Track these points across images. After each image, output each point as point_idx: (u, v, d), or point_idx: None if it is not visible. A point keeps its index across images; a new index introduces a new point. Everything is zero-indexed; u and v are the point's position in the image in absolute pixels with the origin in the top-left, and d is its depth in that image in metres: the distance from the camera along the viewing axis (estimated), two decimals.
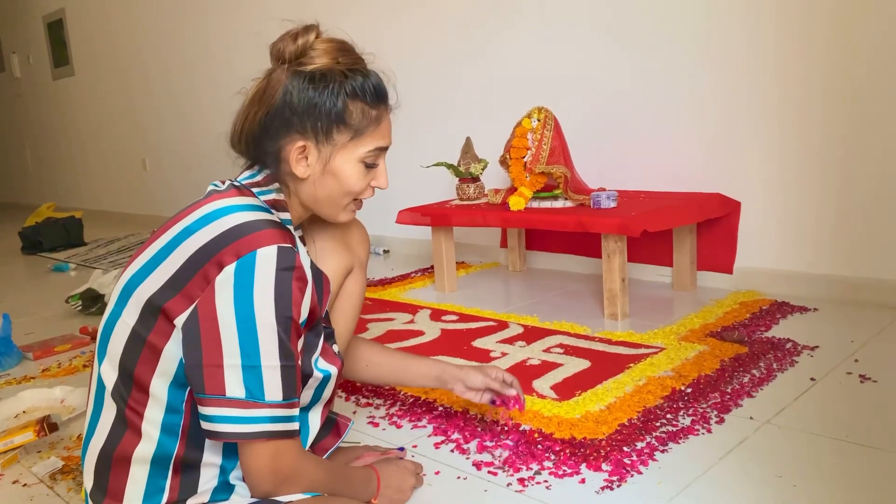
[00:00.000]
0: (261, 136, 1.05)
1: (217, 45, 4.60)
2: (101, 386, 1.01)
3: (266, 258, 0.93)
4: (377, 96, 1.07)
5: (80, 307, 2.73)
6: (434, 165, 2.71)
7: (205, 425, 0.94)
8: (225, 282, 0.93)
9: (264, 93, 1.05)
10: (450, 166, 2.64)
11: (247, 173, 1.09)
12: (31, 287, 3.58)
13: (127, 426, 0.98)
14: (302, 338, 1.02)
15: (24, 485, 1.40)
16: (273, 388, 0.93)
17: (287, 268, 0.94)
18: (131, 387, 0.98)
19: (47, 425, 1.53)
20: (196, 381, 0.93)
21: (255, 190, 1.06)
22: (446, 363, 1.40)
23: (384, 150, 1.09)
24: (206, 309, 0.93)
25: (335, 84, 1.03)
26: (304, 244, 1.21)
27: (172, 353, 0.95)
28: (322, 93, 1.03)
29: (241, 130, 1.07)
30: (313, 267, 1.16)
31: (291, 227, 1.06)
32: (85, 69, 6.17)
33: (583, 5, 2.67)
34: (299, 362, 0.99)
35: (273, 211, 1.05)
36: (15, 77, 7.39)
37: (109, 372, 1.00)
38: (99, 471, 1.00)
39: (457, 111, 3.16)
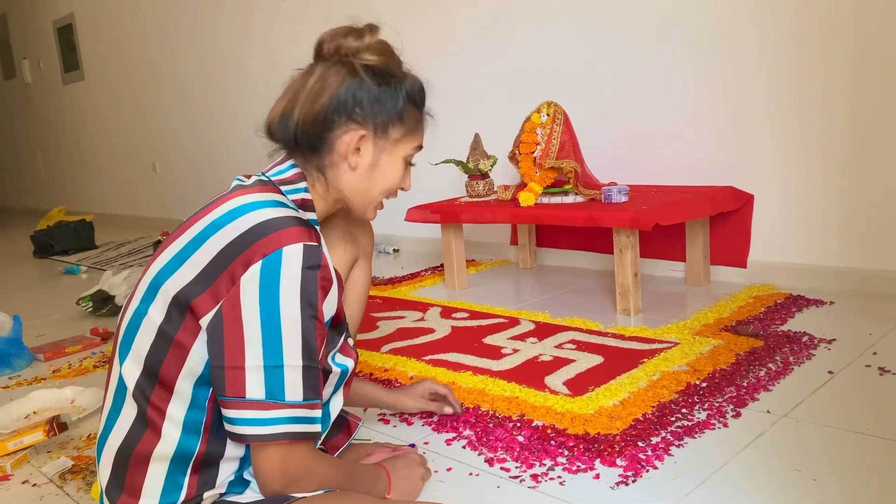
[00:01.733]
0: (318, 125, 1.05)
1: (227, 49, 4.60)
2: (121, 384, 0.99)
3: (292, 256, 0.92)
4: (423, 99, 1.13)
5: (90, 308, 2.73)
6: (443, 163, 2.70)
7: (228, 427, 0.94)
8: (250, 281, 0.92)
9: (325, 83, 1.05)
10: (459, 163, 2.62)
11: (275, 169, 1.08)
12: (42, 290, 3.59)
13: (147, 425, 0.97)
14: (325, 338, 1.01)
15: (34, 485, 1.40)
16: (294, 388, 0.93)
17: (313, 266, 0.94)
18: (155, 384, 0.97)
19: (57, 425, 1.52)
20: (218, 383, 0.93)
21: (283, 188, 1.05)
22: (380, 391, 1.47)
23: (420, 148, 1.14)
24: (231, 309, 0.92)
25: (396, 82, 1.07)
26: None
27: (199, 352, 0.95)
28: (386, 89, 1.06)
29: (296, 119, 1.05)
30: None
31: (316, 227, 1.05)
32: (95, 74, 6.20)
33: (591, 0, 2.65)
34: (321, 364, 0.98)
35: (299, 210, 1.04)
36: (26, 82, 7.43)
37: (132, 369, 0.98)
38: (116, 468, 0.99)
39: (465, 107, 3.15)
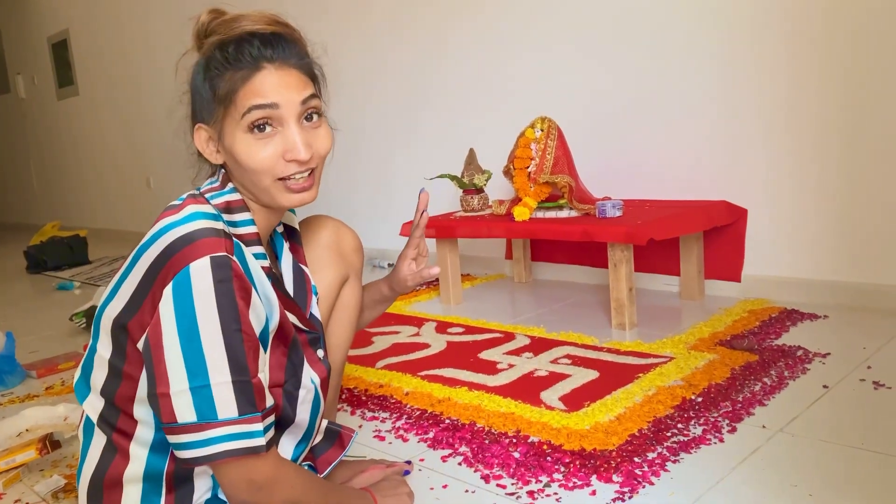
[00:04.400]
0: (191, 131, 1.06)
1: None
2: (87, 419, 1.01)
3: (200, 272, 0.89)
4: (239, 55, 0.98)
5: (83, 325, 2.72)
6: (438, 177, 2.70)
7: (175, 452, 0.93)
8: (166, 305, 0.90)
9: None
10: (453, 178, 2.63)
11: (208, 180, 1.07)
12: (35, 306, 3.57)
13: (116, 451, 0.99)
14: (266, 353, 0.99)
15: None
16: (226, 404, 0.90)
17: (225, 279, 0.90)
18: (118, 413, 0.98)
19: (49, 443, 1.51)
20: (155, 411, 0.92)
21: (210, 195, 1.03)
22: (376, 282, 1.38)
23: (266, 107, 0.97)
24: (154, 336, 0.90)
25: (201, 59, 1.02)
26: (289, 240, 1.18)
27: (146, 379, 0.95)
28: (198, 72, 1.02)
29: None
30: (295, 267, 1.14)
31: (251, 227, 1.03)
32: (89, 89, 6.20)
33: (585, 14, 2.67)
34: (261, 377, 0.95)
35: (223, 215, 1.00)
36: (20, 98, 7.43)
37: (95, 403, 1.00)
38: (92, 495, 1.00)
39: (460, 122, 3.16)
